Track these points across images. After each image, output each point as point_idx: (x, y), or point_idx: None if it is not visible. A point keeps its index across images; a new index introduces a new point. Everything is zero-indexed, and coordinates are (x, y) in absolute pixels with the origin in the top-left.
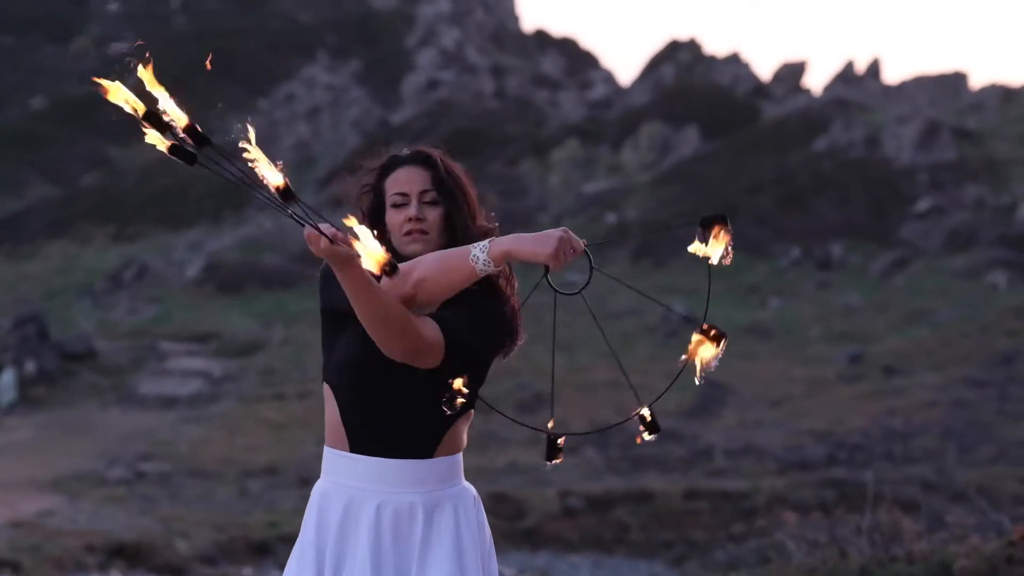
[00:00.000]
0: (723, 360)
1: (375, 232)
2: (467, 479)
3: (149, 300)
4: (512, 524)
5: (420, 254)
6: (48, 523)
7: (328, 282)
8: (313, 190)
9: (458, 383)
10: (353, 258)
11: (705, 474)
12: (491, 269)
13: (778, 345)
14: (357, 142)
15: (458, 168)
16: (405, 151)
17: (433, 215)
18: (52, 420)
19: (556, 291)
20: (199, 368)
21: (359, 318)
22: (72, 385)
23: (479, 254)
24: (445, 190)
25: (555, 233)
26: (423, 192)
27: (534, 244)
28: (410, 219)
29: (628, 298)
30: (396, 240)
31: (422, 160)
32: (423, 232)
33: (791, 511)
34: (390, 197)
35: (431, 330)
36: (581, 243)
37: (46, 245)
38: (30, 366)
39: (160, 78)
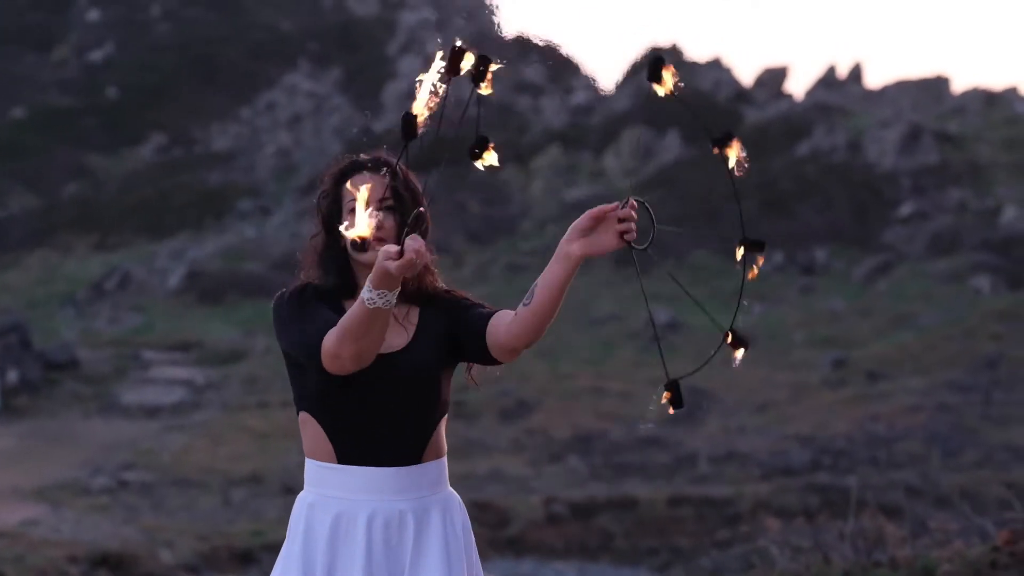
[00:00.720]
0: (707, 366)
1: (337, 238)
2: (451, 487)
3: (131, 309)
4: (496, 532)
5: (375, 261)
6: (31, 532)
7: (283, 324)
8: (295, 198)
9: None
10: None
11: (689, 480)
12: (387, 299)
13: (762, 350)
14: (339, 150)
15: (415, 179)
16: (363, 156)
17: (390, 223)
18: (35, 429)
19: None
20: (182, 377)
21: (542, 314)
22: (55, 394)
23: (369, 295)
24: (402, 199)
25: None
26: (381, 199)
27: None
28: None
29: (610, 304)
30: (352, 245)
31: (381, 167)
32: (380, 240)
33: (775, 517)
34: (348, 203)
35: None
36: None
37: (28, 255)
38: (12, 375)
39: (141, 86)
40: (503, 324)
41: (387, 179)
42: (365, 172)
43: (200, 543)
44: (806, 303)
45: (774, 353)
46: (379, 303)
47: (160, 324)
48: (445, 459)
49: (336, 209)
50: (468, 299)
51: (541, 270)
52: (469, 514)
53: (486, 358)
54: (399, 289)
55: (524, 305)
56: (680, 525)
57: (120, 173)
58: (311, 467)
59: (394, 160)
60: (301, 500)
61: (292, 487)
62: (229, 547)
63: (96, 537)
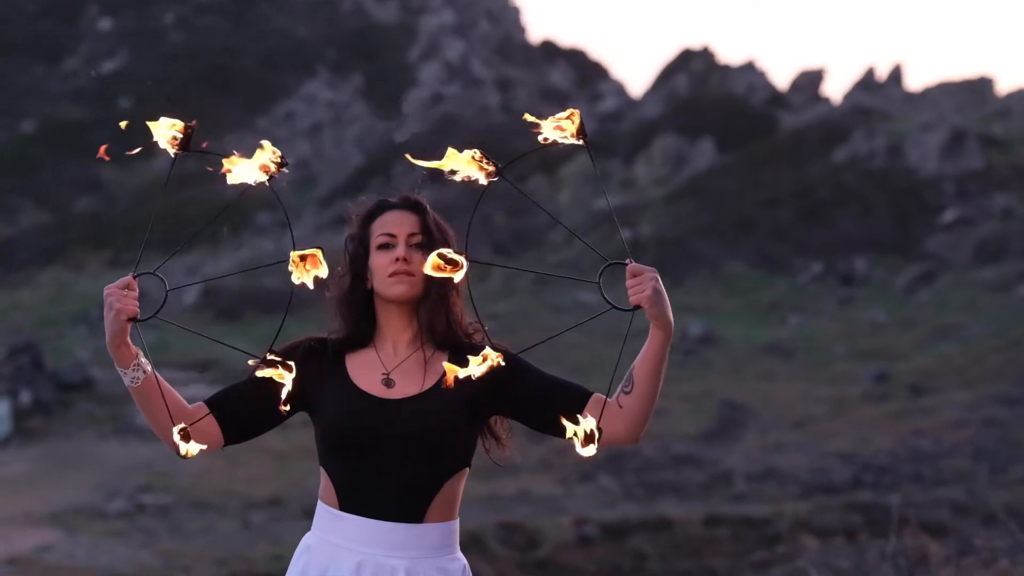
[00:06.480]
0: (743, 381)
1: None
2: (477, 508)
3: (147, 327)
4: (525, 554)
5: (404, 295)
6: (46, 558)
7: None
8: (314, 210)
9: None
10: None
11: (725, 499)
12: (129, 377)
13: (800, 364)
14: (360, 159)
15: (444, 222)
16: (393, 199)
17: (419, 258)
18: (48, 452)
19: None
20: (198, 396)
21: (646, 399)
22: (69, 416)
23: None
24: (432, 237)
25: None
26: (411, 235)
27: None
28: (397, 259)
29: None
30: (379, 282)
31: (411, 205)
32: (409, 274)
33: (814, 537)
34: (376, 239)
35: None
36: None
37: (39, 272)
38: (25, 397)
39: (154, 96)
40: (614, 414)
41: (417, 216)
42: (395, 211)
43: (219, 568)
44: (846, 315)
45: (813, 367)
46: (125, 382)
47: (176, 342)
48: (455, 523)
49: (363, 251)
50: (527, 363)
51: (569, 283)
52: (497, 536)
53: (560, 433)
54: (137, 365)
55: (625, 392)
56: (716, 546)
57: (132, 188)
58: (319, 510)
59: (423, 201)
60: (303, 542)
61: (312, 510)
62: (249, 571)
63: (112, 562)
